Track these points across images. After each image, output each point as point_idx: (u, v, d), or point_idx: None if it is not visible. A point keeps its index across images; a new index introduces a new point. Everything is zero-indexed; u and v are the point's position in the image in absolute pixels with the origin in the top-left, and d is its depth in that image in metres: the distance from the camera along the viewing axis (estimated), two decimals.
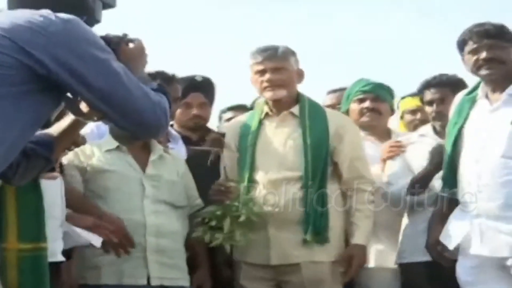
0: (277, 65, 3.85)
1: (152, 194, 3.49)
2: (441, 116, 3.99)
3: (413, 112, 4.58)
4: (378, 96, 4.28)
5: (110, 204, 3.43)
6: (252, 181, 3.78)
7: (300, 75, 3.96)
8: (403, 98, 4.66)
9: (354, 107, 4.31)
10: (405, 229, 4.04)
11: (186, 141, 4.20)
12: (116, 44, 2.34)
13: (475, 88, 3.65)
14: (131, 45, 2.40)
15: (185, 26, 10.67)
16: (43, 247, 2.67)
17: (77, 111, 2.34)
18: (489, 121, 3.51)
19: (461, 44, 3.60)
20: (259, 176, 3.78)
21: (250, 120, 3.94)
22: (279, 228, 3.72)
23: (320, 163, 3.76)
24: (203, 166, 3.88)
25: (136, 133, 2.30)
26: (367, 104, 4.26)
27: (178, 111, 4.23)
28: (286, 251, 3.73)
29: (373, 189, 3.89)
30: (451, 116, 3.69)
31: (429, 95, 4.07)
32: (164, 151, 3.68)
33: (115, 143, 3.57)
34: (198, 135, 4.31)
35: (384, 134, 4.31)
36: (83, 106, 2.30)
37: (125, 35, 2.41)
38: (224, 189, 3.66)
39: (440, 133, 4.02)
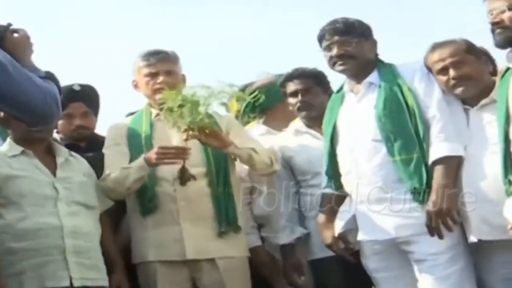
0: (170, 68, 3.92)
1: (66, 196, 3.47)
2: (306, 106, 4.07)
3: None
4: (265, 110, 4.31)
5: (25, 209, 3.38)
6: (155, 178, 3.78)
7: (184, 79, 4.02)
8: None
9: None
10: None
11: (76, 149, 4.07)
12: (2, 33, 2.38)
13: (343, 85, 3.82)
14: (16, 34, 2.43)
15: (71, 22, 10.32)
16: None
17: None
18: (356, 111, 3.68)
19: (319, 41, 3.76)
20: (163, 172, 3.79)
21: (137, 122, 3.93)
22: (191, 223, 3.76)
23: (222, 159, 3.85)
24: (99, 171, 3.83)
25: (29, 122, 2.32)
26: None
27: (60, 122, 4.12)
28: (201, 245, 3.76)
29: None
30: (325, 115, 3.84)
31: (292, 86, 4.11)
32: (68, 153, 3.66)
33: (19, 148, 3.52)
34: (87, 142, 4.22)
35: (287, 123, 4.30)
36: None
37: (9, 25, 2.44)
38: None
39: (309, 125, 4.11)
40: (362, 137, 3.62)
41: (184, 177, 3.67)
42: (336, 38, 3.68)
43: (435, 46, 3.62)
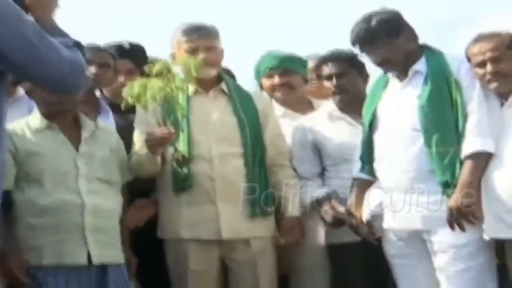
0: (210, 44, 3.88)
1: (87, 173, 3.46)
2: (341, 91, 4.03)
3: None
4: (287, 69, 4.28)
5: (45, 185, 3.40)
6: (190, 156, 3.76)
7: (222, 54, 3.99)
8: None
9: (265, 82, 4.33)
10: None
11: (115, 108, 4.11)
12: None
13: None
14: None
15: None
16: None
17: None
18: (400, 98, 3.67)
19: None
20: (200, 150, 3.79)
21: None
22: (227, 203, 3.77)
23: (259, 140, 3.86)
24: (130, 136, 3.83)
25: (54, 93, 2.33)
26: (276, 79, 4.28)
27: (108, 77, 4.17)
28: (235, 225, 3.78)
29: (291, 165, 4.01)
30: (367, 98, 3.84)
31: (327, 69, 4.07)
32: (95, 126, 3.64)
33: (44, 122, 3.51)
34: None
35: (303, 105, 4.33)
36: None
37: None
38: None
39: (343, 110, 4.05)
40: (401, 125, 3.62)
41: (181, 161, 3.68)
42: (365, 48, 3.66)
43: (478, 38, 3.59)
